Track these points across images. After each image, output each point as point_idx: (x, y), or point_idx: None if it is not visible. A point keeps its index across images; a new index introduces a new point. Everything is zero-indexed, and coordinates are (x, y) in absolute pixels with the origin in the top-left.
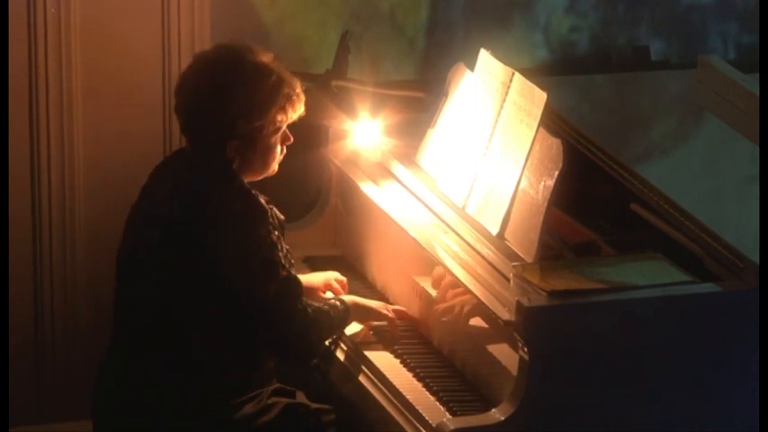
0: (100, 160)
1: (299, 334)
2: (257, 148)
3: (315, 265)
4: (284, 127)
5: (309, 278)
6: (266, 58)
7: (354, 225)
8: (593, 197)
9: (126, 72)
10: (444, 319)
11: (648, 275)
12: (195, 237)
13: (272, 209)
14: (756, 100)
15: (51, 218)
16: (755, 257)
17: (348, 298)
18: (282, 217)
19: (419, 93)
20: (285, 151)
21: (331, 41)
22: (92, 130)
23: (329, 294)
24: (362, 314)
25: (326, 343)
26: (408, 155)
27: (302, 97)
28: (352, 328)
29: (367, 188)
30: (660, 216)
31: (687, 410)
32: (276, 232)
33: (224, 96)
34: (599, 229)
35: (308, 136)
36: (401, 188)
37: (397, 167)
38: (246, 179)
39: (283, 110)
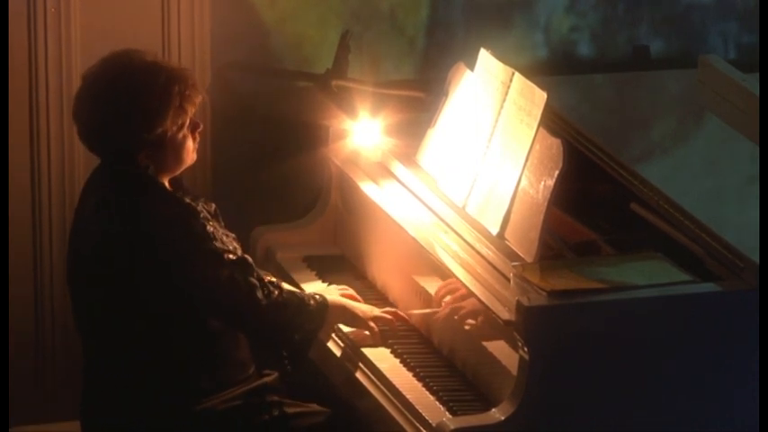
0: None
1: (269, 309)
2: (168, 150)
3: (315, 264)
4: (188, 120)
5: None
6: (150, 57)
7: (354, 225)
8: (593, 197)
9: None
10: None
11: (648, 275)
12: (131, 250)
13: (199, 203)
14: (756, 100)
15: (51, 218)
16: (755, 257)
17: (333, 298)
18: (212, 206)
19: (419, 92)
20: (198, 138)
21: (331, 41)
22: None
23: None
24: (348, 318)
25: (298, 337)
26: (408, 154)
27: (197, 87)
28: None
29: (367, 188)
30: (660, 216)
31: (687, 410)
32: (211, 222)
33: (118, 114)
34: (599, 228)
35: (309, 136)
36: (401, 188)
37: (398, 167)
38: (167, 177)
39: (181, 108)
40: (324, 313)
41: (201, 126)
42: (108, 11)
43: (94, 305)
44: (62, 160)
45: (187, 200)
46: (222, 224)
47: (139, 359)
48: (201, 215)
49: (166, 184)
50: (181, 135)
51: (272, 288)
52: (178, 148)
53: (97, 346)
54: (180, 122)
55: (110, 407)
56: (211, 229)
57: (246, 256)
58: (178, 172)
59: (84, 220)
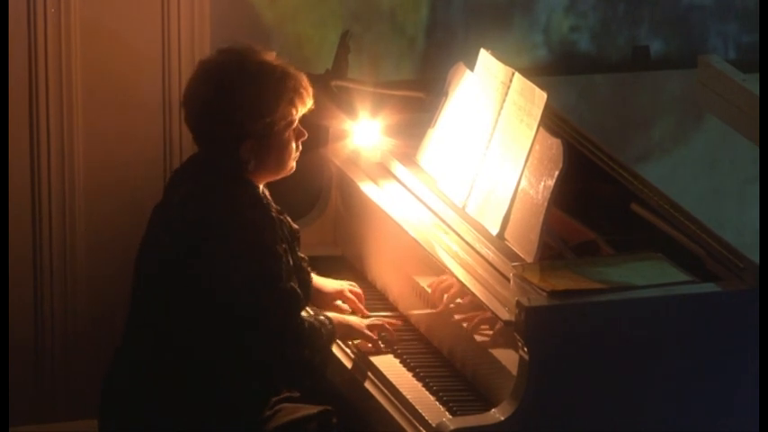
0: (100, 160)
1: (292, 348)
2: (271, 146)
3: (315, 265)
4: (296, 122)
5: (323, 283)
6: (269, 56)
7: (354, 225)
8: (593, 197)
9: (126, 72)
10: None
11: (648, 275)
12: (202, 243)
13: (283, 219)
14: (756, 100)
15: (51, 218)
16: (755, 257)
17: (333, 315)
18: (296, 227)
19: (419, 93)
20: (301, 148)
21: (331, 41)
22: (92, 131)
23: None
24: (345, 332)
25: (316, 363)
26: (408, 155)
27: (310, 91)
28: None
29: (367, 188)
30: (660, 216)
31: (687, 410)
32: (284, 245)
33: (231, 97)
34: (599, 228)
35: (309, 136)
36: (401, 188)
37: (398, 167)
38: (264, 180)
39: (292, 103)
40: (333, 340)
41: (306, 135)
42: (108, 11)
43: (152, 294)
44: (62, 160)
45: (273, 213)
46: (299, 247)
47: (177, 358)
48: (278, 233)
49: (261, 187)
50: (287, 134)
51: (304, 325)
52: (282, 148)
53: (139, 341)
54: (288, 120)
55: (132, 406)
56: (282, 250)
57: (298, 290)
58: (276, 177)
59: (170, 206)
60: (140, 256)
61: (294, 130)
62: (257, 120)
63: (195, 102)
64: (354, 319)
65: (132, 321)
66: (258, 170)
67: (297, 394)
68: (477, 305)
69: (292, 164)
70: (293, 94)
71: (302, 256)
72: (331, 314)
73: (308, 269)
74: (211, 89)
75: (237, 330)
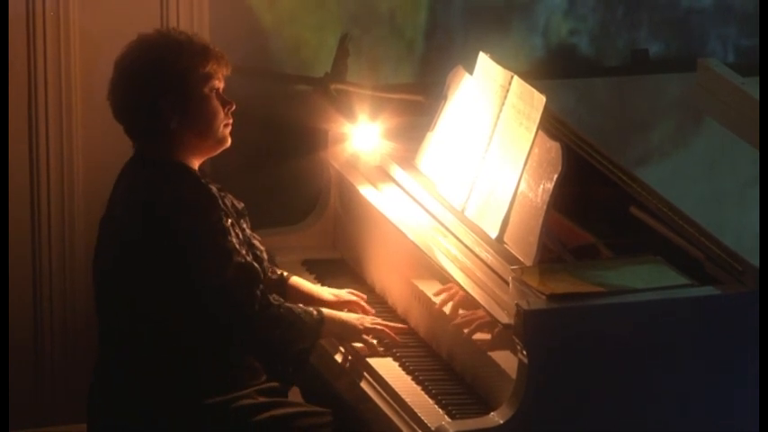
0: (99, 161)
1: (262, 322)
2: (191, 104)
3: (314, 268)
4: (213, 80)
5: (319, 291)
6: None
7: (354, 228)
8: (592, 200)
9: None
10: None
11: (648, 279)
12: (151, 233)
13: (225, 196)
14: (755, 103)
15: (51, 219)
16: (755, 260)
17: (327, 311)
18: (241, 204)
19: (418, 96)
20: (231, 119)
21: (330, 45)
22: (91, 132)
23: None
24: (339, 330)
25: (297, 350)
26: (407, 158)
27: (224, 56)
28: None
29: (366, 191)
30: (659, 219)
31: (687, 414)
32: (230, 219)
33: (140, 64)
34: (598, 232)
35: (308, 139)
36: (400, 191)
37: (397, 171)
38: (198, 154)
39: (202, 56)
40: (319, 330)
41: (234, 106)
42: (106, 14)
43: (112, 294)
44: (61, 162)
45: (213, 188)
46: (248, 225)
47: (150, 353)
48: (222, 208)
49: (195, 167)
50: (205, 90)
51: (271, 301)
52: (204, 108)
53: (112, 337)
54: (201, 72)
55: (116, 402)
56: (228, 225)
57: (255, 264)
58: (209, 147)
59: (113, 204)
60: (96, 257)
61: (215, 92)
62: (166, 71)
63: (111, 90)
64: (352, 319)
65: (103, 321)
66: (185, 133)
67: (285, 388)
68: (475, 307)
69: (225, 132)
70: (200, 49)
71: (254, 234)
72: (325, 310)
73: (262, 247)
74: (121, 65)
75: (203, 311)
